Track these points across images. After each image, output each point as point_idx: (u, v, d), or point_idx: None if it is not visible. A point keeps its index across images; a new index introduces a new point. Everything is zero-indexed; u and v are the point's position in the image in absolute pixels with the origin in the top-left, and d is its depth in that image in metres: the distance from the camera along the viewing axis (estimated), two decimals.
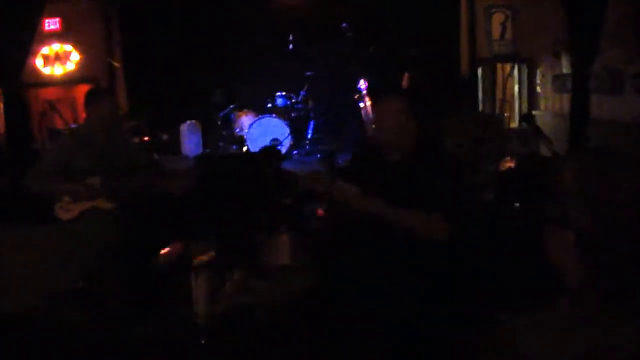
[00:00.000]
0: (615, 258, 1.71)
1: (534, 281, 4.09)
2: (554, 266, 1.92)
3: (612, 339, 1.72)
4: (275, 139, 9.77)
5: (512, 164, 6.23)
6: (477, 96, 10.45)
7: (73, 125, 9.07)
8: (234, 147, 10.57)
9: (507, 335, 1.91)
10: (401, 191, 3.57)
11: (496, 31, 9.75)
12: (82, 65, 10.97)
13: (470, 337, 3.25)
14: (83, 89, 10.12)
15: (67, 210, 4.78)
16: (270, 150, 6.13)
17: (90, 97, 4.97)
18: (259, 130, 9.91)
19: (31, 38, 7.57)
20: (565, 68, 7.99)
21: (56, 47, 10.83)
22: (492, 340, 1.97)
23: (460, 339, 3.41)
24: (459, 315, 3.54)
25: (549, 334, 1.82)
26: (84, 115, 5.27)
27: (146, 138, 9.78)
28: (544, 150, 6.84)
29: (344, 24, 10.36)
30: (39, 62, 10.70)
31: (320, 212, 4.84)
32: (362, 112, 10.30)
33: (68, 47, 10.88)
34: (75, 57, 10.91)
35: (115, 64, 11.08)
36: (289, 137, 10.04)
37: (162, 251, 4.86)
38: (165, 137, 10.47)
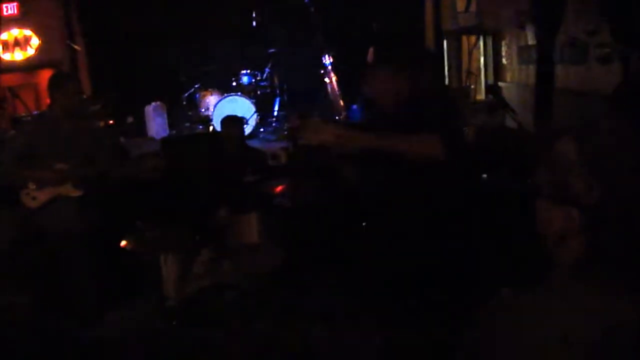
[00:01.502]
0: (621, 234, 1.70)
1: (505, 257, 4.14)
2: (543, 243, 1.91)
3: (616, 315, 1.71)
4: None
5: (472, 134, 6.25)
6: (443, 69, 10.46)
7: (36, 112, 8.95)
8: (200, 127, 10.50)
9: (510, 311, 1.88)
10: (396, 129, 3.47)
11: (461, 3, 9.75)
12: (42, 50, 10.81)
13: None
14: (45, 74, 10.00)
15: (33, 197, 4.72)
16: (233, 119, 6.07)
17: (54, 82, 4.89)
18: (224, 110, 9.85)
19: None
20: (530, 39, 8.02)
21: (15, 32, 10.66)
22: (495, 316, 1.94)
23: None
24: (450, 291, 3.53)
25: (552, 312, 1.80)
26: (47, 101, 5.20)
27: (111, 121, 9.67)
28: (510, 122, 6.88)
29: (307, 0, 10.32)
30: None
31: (278, 189, 4.83)
32: (328, 87, 10.28)
33: (27, 32, 10.70)
34: (35, 41, 10.74)
35: (76, 47, 10.91)
36: (255, 115, 10.00)
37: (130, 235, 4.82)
38: (130, 119, 10.36)
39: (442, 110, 3.58)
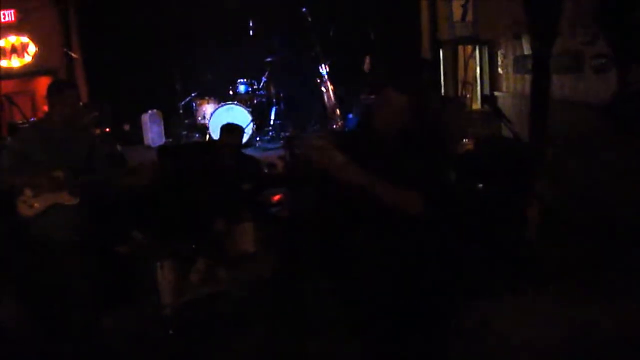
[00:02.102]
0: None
1: (501, 264, 4.16)
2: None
3: (590, 316, 1.74)
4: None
5: (471, 146, 6.27)
6: (439, 78, 10.49)
7: (33, 119, 8.95)
8: (197, 135, 10.51)
9: (486, 320, 1.92)
10: (387, 167, 3.53)
11: (457, 13, 9.79)
12: (39, 57, 10.80)
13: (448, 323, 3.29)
14: (42, 82, 10.03)
15: (29, 205, 4.70)
16: (233, 127, 6.07)
17: (53, 89, 4.87)
18: (221, 118, 9.86)
19: None
20: (526, 50, 8.05)
21: (12, 39, 10.65)
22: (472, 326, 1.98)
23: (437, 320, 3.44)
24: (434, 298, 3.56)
25: (529, 317, 1.84)
26: (44, 108, 5.19)
27: (108, 129, 9.69)
28: (505, 132, 6.91)
29: (304, 9, 10.34)
30: None
31: (275, 198, 4.84)
32: (324, 96, 10.31)
33: (25, 39, 10.71)
34: (32, 49, 10.74)
35: (74, 55, 10.91)
36: (251, 123, 10.02)
37: (126, 243, 4.83)
38: (127, 127, 10.38)
39: (436, 157, 3.63)
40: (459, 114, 6.43)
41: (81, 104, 7.58)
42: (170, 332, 4.32)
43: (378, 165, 3.52)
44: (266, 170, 7.04)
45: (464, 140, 6.23)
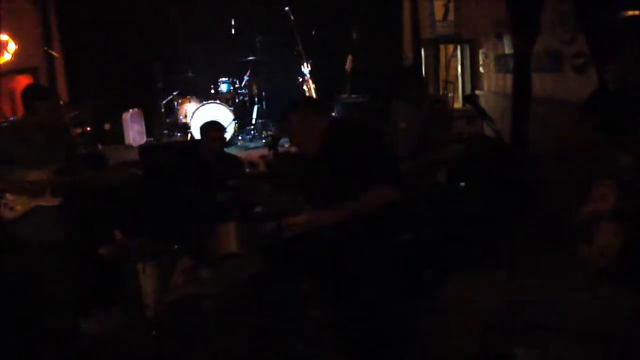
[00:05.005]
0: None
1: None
2: None
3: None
4: None
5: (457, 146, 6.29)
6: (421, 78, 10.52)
7: (12, 118, 8.88)
8: (179, 134, 10.47)
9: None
10: (333, 179, 3.65)
11: (439, 13, 9.84)
12: (19, 55, 10.66)
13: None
14: (22, 80, 9.93)
15: (11, 208, 4.66)
16: (213, 125, 6.04)
17: (34, 93, 4.81)
18: (202, 117, 9.82)
19: None
20: (507, 48, 8.09)
21: None
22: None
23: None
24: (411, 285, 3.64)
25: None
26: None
27: (88, 128, 9.62)
28: (488, 131, 6.94)
29: (287, 8, 10.34)
30: None
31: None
32: (306, 95, 10.31)
33: (4, 37, 10.58)
34: (12, 47, 10.62)
35: (54, 53, 10.83)
36: (233, 122, 9.99)
37: (109, 244, 4.80)
38: (107, 126, 10.30)
39: (372, 147, 3.73)
40: (445, 114, 6.45)
41: (61, 102, 7.53)
42: (154, 333, 4.31)
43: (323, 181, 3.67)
44: (248, 170, 7.02)
45: (454, 144, 6.24)
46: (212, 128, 5.98)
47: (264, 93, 10.93)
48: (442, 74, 10.21)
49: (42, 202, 4.65)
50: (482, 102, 8.27)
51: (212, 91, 10.64)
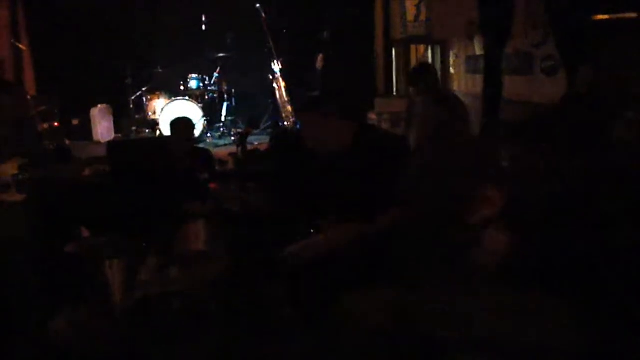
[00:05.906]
0: None
1: None
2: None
3: None
4: None
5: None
6: (392, 78, 10.59)
7: None
8: (147, 131, 10.40)
9: None
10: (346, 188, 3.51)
11: (411, 13, 9.87)
12: None
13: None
14: None
15: None
16: (182, 121, 6.01)
17: None
18: (172, 114, 9.76)
19: None
20: (478, 50, 8.14)
21: None
22: None
23: None
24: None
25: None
26: None
27: (56, 123, 9.51)
28: None
29: (258, 5, 10.31)
30: None
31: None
32: (277, 93, 10.29)
33: None
34: None
35: (21, 46, 10.68)
36: (203, 119, 9.95)
37: (74, 241, 4.74)
38: (75, 122, 10.21)
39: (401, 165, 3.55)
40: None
41: (29, 97, 7.44)
42: (122, 331, 4.26)
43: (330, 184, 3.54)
44: (217, 167, 6.98)
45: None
46: (182, 124, 5.93)
47: (233, 90, 10.90)
48: None
49: (6, 198, 4.59)
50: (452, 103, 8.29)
51: (182, 88, 10.59)
